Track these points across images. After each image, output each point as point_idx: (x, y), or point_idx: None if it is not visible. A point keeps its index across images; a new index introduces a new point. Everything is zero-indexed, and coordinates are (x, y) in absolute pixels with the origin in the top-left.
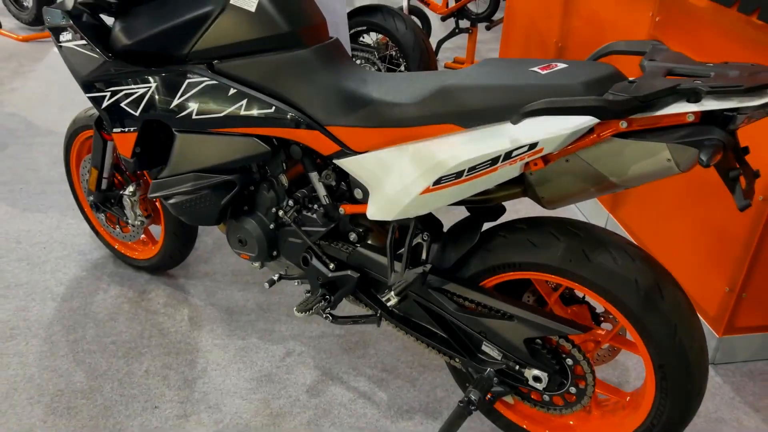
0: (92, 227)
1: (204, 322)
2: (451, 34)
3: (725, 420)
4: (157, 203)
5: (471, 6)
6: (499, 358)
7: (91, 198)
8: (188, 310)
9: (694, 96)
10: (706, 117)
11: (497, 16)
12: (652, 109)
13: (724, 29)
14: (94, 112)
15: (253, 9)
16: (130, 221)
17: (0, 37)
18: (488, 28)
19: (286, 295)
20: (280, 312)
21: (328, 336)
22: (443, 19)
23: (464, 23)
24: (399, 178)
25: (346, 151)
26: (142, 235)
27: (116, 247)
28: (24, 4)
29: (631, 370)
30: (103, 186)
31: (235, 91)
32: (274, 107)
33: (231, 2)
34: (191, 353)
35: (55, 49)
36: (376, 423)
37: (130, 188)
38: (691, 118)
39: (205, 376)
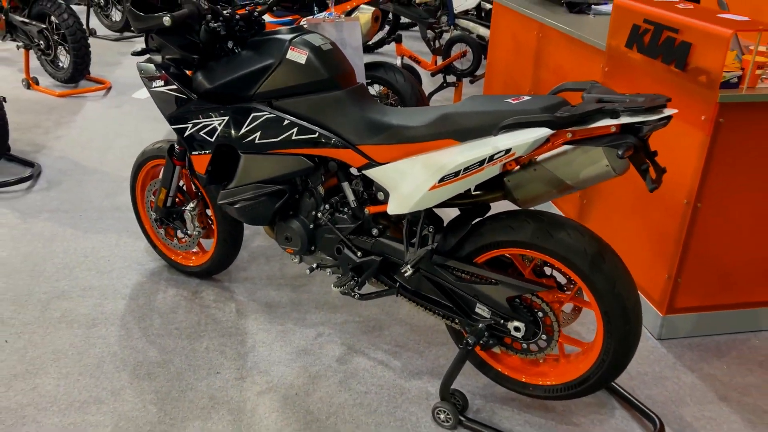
0: (150, 241)
1: (248, 312)
2: (440, 88)
3: (668, 377)
4: (212, 218)
5: (457, 63)
6: (488, 315)
7: (156, 214)
8: (234, 304)
9: (614, 114)
10: (624, 128)
11: (479, 71)
12: (588, 124)
13: (652, 75)
14: (162, 145)
15: (303, 62)
16: (189, 232)
17: (38, 93)
18: (472, 82)
19: (313, 293)
20: (310, 305)
21: (350, 322)
22: (433, 74)
23: (451, 78)
24: (413, 179)
25: (373, 163)
26: (195, 248)
27: (172, 257)
28: (60, 64)
29: None
30: (169, 203)
31: (289, 121)
32: (317, 133)
33: (287, 57)
34: (241, 335)
35: (146, 92)
36: (393, 382)
37: (192, 204)
38: (613, 129)
39: (254, 351)
